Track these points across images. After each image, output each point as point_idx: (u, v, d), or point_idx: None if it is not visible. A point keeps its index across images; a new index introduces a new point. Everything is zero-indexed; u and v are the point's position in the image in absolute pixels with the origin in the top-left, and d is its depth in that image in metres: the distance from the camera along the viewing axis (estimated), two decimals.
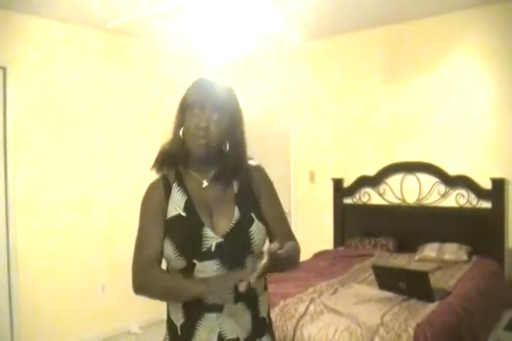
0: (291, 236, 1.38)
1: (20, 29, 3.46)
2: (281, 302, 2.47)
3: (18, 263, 3.41)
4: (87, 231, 3.85)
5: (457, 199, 3.69)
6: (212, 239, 1.25)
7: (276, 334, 2.28)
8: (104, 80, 4.00)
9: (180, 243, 1.24)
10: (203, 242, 1.24)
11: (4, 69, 3.38)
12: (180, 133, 1.30)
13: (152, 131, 4.21)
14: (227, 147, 1.31)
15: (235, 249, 1.26)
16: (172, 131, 1.34)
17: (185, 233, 1.25)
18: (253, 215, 1.31)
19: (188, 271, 1.25)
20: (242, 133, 1.35)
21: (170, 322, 1.32)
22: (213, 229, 1.26)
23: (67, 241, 3.71)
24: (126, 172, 4.10)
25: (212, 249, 1.24)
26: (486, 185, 3.54)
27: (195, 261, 1.24)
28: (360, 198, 4.20)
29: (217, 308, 1.25)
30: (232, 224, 1.28)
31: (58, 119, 3.70)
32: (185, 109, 1.30)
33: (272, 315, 2.32)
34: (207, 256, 1.24)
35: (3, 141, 3.39)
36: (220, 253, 1.24)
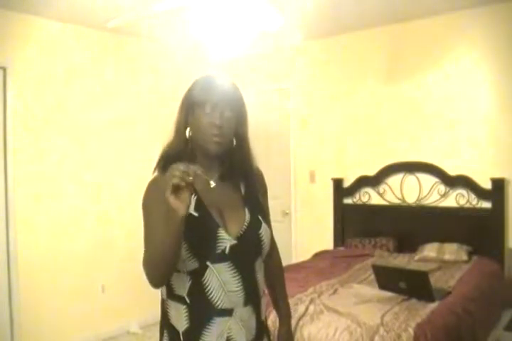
0: (275, 246, 1.46)
1: (20, 29, 3.46)
2: None
3: (18, 263, 3.41)
4: (88, 231, 3.85)
5: (457, 199, 3.69)
6: (226, 241, 1.22)
7: (277, 334, 2.28)
8: (104, 80, 4.00)
9: (194, 243, 1.19)
10: (218, 244, 1.21)
11: (4, 69, 3.38)
12: (187, 133, 1.26)
13: (152, 131, 4.21)
14: (234, 144, 1.29)
15: (247, 251, 1.26)
16: (174, 131, 1.29)
17: (200, 233, 1.21)
18: (260, 217, 1.31)
19: (200, 272, 1.21)
20: (247, 130, 1.33)
21: (169, 328, 1.27)
22: (227, 230, 1.24)
23: (67, 241, 3.71)
24: (126, 172, 4.10)
25: (227, 251, 1.22)
26: (486, 185, 3.54)
27: (208, 262, 1.21)
28: (360, 198, 4.20)
29: (228, 312, 1.22)
30: (244, 227, 1.27)
31: (58, 119, 3.70)
32: (192, 107, 1.25)
33: (272, 315, 2.34)
34: (221, 258, 1.22)
35: (3, 140, 3.39)
36: (234, 255, 1.23)
